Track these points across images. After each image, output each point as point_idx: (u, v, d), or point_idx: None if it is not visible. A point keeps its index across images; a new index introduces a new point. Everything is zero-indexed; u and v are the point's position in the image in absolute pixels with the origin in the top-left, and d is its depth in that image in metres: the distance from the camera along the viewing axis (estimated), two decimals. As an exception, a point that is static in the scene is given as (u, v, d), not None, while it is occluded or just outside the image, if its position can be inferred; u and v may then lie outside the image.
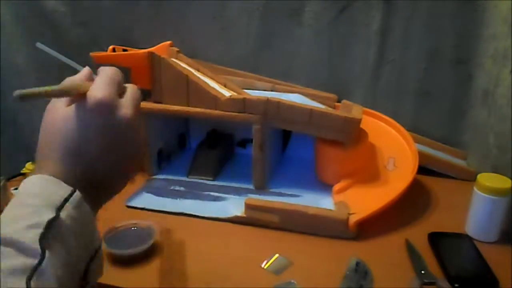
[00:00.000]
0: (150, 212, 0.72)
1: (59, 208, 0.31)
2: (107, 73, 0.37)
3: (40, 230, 0.30)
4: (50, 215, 0.31)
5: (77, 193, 0.33)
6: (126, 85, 0.40)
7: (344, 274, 0.56)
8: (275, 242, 0.65)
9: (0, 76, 0.98)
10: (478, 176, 0.63)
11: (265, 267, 0.59)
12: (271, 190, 0.78)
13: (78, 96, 0.36)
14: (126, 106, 0.37)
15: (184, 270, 0.58)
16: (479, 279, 0.56)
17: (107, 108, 0.35)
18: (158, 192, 0.78)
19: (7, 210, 0.32)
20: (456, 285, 0.53)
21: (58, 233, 0.31)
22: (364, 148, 0.78)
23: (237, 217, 0.69)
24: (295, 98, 0.83)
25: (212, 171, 0.84)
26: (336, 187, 0.74)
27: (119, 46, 0.86)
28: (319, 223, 0.65)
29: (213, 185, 0.81)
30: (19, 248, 0.29)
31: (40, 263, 0.29)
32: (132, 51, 0.86)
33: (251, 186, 0.79)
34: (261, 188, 0.78)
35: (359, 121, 0.72)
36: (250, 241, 0.66)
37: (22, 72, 1.00)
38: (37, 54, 0.89)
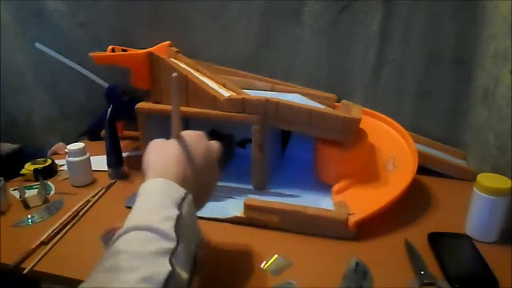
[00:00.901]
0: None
1: (180, 206, 0.41)
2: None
3: (173, 222, 0.38)
4: (176, 211, 0.40)
5: (190, 194, 0.43)
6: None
7: (343, 274, 0.56)
8: (275, 242, 0.65)
9: (0, 76, 0.98)
10: (478, 176, 0.63)
11: (264, 268, 0.59)
12: (271, 190, 0.78)
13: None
14: (214, 144, 0.52)
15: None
16: (479, 279, 0.56)
17: (204, 136, 0.51)
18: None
19: (139, 203, 0.41)
20: (456, 285, 0.53)
21: (182, 226, 0.39)
22: (364, 148, 0.78)
23: (236, 217, 0.69)
24: (295, 98, 0.83)
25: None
26: (336, 187, 0.74)
27: (118, 46, 0.86)
28: (318, 223, 0.65)
29: (212, 185, 0.81)
30: (162, 234, 0.37)
31: (176, 247, 0.37)
32: (132, 51, 0.86)
33: (250, 186, 0.79)
34: (260, 188, 0.78)
35: (358, 121, 0.72)
36: (250, 242, 0.65)
37: (22, 72, 1.00)
38: (37, 54, 0.89)
